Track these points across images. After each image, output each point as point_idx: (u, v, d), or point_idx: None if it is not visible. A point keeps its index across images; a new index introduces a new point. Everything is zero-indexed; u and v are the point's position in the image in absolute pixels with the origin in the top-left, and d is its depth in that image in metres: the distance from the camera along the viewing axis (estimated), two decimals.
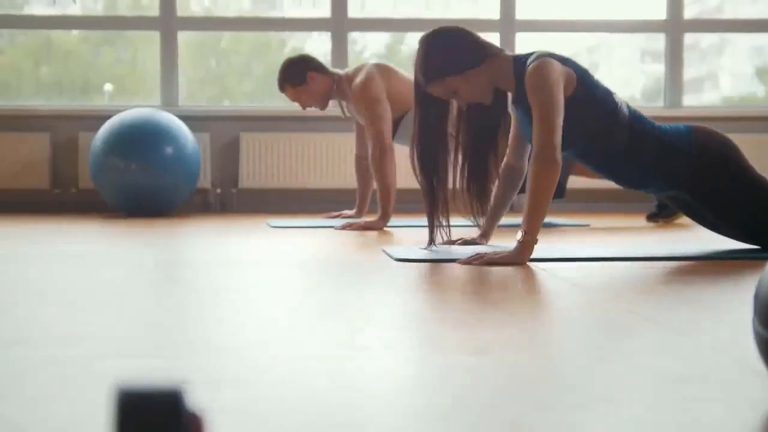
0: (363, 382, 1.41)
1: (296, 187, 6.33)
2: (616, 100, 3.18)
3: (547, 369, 1.51)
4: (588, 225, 4.91)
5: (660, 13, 6.61)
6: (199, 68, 7.65)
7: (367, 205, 5.25)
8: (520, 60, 3.18)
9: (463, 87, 3.19)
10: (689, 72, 8.67)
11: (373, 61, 4.97)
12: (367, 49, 7.78)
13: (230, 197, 6.36)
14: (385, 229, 4.61)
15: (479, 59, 3.19)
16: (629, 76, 8.41)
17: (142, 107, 5.94)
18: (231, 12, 7.25)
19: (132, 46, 7.41)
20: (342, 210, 5.54)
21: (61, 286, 2.50)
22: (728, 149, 3.21)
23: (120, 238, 4.11)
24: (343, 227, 4.58)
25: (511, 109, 3.34)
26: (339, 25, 6.48)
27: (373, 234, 4.35)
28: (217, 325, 1.92)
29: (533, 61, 3.10)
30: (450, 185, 3.35)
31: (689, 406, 1.28)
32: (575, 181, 5.25)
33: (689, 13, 6.93)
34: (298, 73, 4.95)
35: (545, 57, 3.11)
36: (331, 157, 6.32)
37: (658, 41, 6.85)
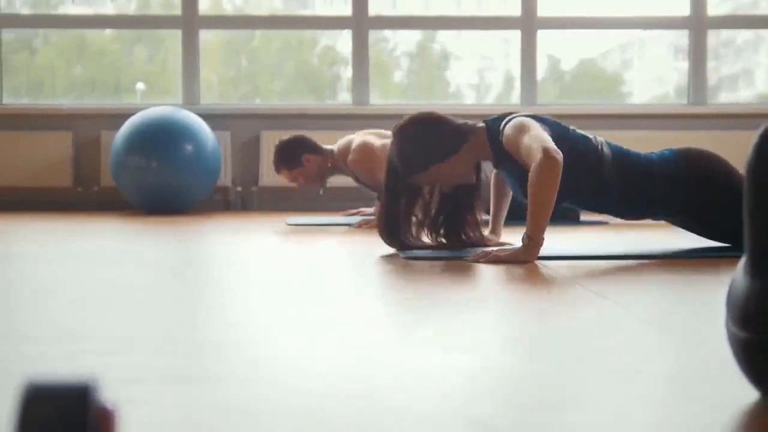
0: (350, 382, 1.42)
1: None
2: (596, 143, 3.15)
3: (526, 368, 1.51)
4: (607, 222, 4.89)
5: (684, 9, 6.56)
6: (230, 67, 7.69)
7: None
8: (493, 127, 3.17)
9: (446, 173, 3.19)
10: (724, 69, 8.57)
11: (359, 132, 4.96)
12: (398, 47, 7.79)
13: (251, 195, 6.39)
14: None
15: (460, 143, 3.18)
16: (662, 73, 8.35)
17: (163, 105, 5.97)
18: (262, 10, 7.28)
19: (164, 45, 7.45)
20: (360, 207, 5.54)
21: (70, 283, 2.53)
22: (716, 165, 3.18)
23: (133, 237, 4.13)
24: (359, 224, 4.59)
25: (495, 173, 3.37)
26: (360, 22, 6.48)
27: None
28: (201, 323, 1.93)
29: (507, 123, 3.10)
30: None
31: (668, 405, 1.27)
32: None
33: (723, 9, 6.87)
34: (293, 157, 4.97)
35: (520, 117, 3.11)
36: None
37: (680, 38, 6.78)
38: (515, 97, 6.74)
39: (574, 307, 2.15)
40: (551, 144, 2.97)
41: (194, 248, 3.64)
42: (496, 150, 3.16)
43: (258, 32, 7.38)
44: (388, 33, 7.29)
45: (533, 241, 2.94)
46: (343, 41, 7.24)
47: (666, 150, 3.22)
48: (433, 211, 3.29)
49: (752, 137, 1.22)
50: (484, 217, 3.59)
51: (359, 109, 6.43)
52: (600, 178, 3.12)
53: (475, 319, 1.98)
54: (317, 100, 7.24)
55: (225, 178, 6.28)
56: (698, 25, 6.54)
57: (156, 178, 5.58)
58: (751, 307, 1.22)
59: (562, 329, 1.87)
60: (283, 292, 2.43)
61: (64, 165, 6.23)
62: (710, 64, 9.78)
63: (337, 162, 4.96)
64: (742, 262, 1.25)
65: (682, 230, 3.36)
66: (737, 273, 1.26)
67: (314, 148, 4.99)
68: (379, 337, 1.77)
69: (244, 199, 6.39)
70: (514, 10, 6.55)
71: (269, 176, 6.32)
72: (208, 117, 6.03)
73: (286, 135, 6.29)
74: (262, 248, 3.60)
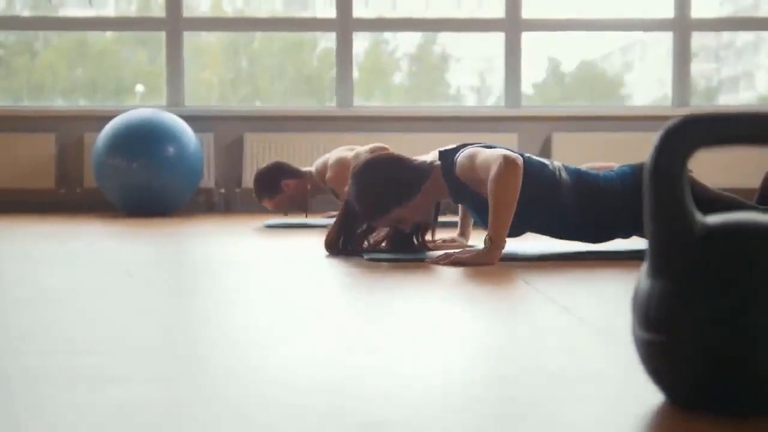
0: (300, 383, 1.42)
1: None
2: (552, 168, 3.12)
3: (433, 366, 1.51)
4: None
5: (668, 11, 6.56)
6: (230, 69, 7.71)
7: None
8: (447, 159, 3.13)
9: (407, 214, 3.16)
10: (725, 71, 8.54)
11: (336, 151, 4.96)
12: (399, 49, 7.80)
13: (234, 197, 6.39)
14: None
15: (418, 186, 3.14)
16: (663, 75, 8.36)
17: (145, 107, 5.98)
18: (262, 12, 7.29)
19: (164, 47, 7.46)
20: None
21: (25, 284, 2.53)
22: None
23: (106, 238, 4.13)
24: None
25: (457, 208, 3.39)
26: (344, 25, 6.48)
27: None
28: (140, 323, 1.94)
29: (459, 155, 3.08)
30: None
31: (577, 405, 1.27)
32: None
33: (725, 10, 6.85)
34: (272, 185, 4.98)
35: (472, 147, 3.09)
36: None
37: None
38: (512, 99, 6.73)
39: (517, 308, 2.15)
40: (508, 151, 2.97)
41: (162, 249, 3.63)
42: (450, 184, 3.12)
43: (258, 34, 7.38)
44: (388, 35, 7.29)
45: (495, 243, 2.94)
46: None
47: (625, 165, 3.18)
48: (383, 241, 3.30)
49: (653, 137, 1.22)
50: (455, 218, 3.60)
51: (343, 111, 6.43)
52: (558, 203, 3.08)
53: (412, 321, 1.98)
54: (318, 102, 7.25)
55: (208, 180, 6.29)
56: (682, 27, 6.54)
57: (137, 180, 5.58)
58: (653, 308, 1.22)
59: (498, 330, 1.87)
60: (243, 293, 2.44)
61: (47, 166, 6.23)
62: (711, 66, 9.77)
63: (317, 182, 4.99)
64: (645, 264, 1.25)
65: None
66: (640, 276, 1.27)
67: (292, 173, 5.00)
68: (313, 338, 1.77)
69: (227, 200, 6.39)
70: (498, 12, 6.55)
71: (252, 178, 6.31)
72: (191, 119, 6.04)
73: (269, 137, 6.34)
74: (231, 249, 3.60)
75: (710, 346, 1.17)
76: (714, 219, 1.23)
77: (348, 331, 1.84)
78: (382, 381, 1.40)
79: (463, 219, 3.49)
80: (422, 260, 3.01)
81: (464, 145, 3.15)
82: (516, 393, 1.34)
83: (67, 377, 1.41)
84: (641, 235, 3.23)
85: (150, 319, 2.01)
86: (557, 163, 3.17)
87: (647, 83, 8.82)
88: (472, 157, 3.04)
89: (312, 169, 5.05)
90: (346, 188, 4.65)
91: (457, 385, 1.39)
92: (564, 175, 3.12)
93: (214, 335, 1.82)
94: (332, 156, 4.88)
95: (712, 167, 5.80)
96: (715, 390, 1.19)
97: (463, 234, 3.52)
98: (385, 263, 3.01)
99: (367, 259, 3.08)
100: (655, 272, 1.22)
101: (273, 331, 1.83)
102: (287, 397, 1.30)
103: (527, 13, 6.49)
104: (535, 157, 3.15)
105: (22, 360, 1.55)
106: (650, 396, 1.28)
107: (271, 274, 2.83)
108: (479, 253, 2.95)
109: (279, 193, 4.98)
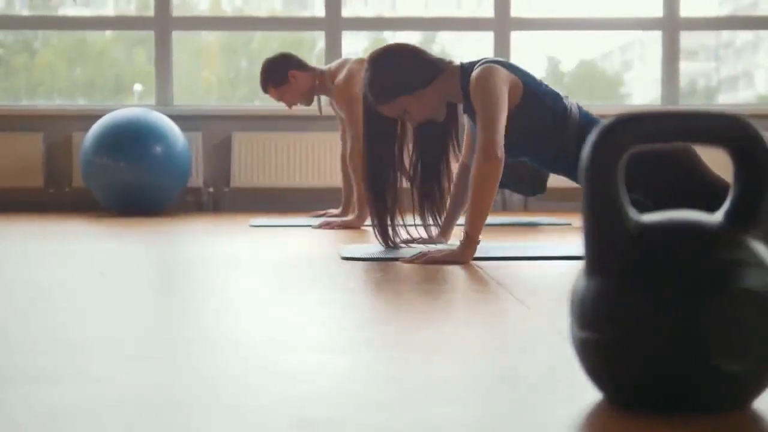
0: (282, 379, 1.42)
1: (288, 186, 6.35)
2: (566, 103, 3.17)
3: (372, 365, 1.51)
4: (569, 224, 4.89)
5: (657, 10, 6.56)
6: (230, 68, 7.71)
7: (352, 203, 5.25)
8: (467, 69, 3.17)
9: (415, 106, 3.17)
10: (724, 70, 8.51)
11: (356, 57, 4.96)
12: None
13: (223, 196, 6.39)
14: (363, 227, 4.61)
15: (431, 78, 3.16)
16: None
17: (133, 107, 5.98)
18: (261, 12, 7.29)
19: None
20: (328, 209, 5.54)
21: (11, 285, 2.53)
22: (680, 148, 3.18)
23: (92, 238, 4.14)
24: (320, 226, 4.59)
25: (463, 117, 3.34)
26: (333, 24, 6.48)
27: (349, 233, 4.35)
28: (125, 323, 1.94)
29: (477, 68, 3.10)
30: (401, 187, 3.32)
31: (519, 405, 1.27)
32: (559, 180, 5.20)
33: (724, 10, 6.84)
34: (279, 73, 4.95)
35: (490, 64, 3.10)
36: (323, 156, 6.33)
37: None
38: None
39: (487, 308, 2.15)
40: (499, 138, 2.97)
41: (147, 248, 3.64)
42: (466, 95, 3.15)
43: (258, 34, 7.39)
44: (388, 34, 7.28)
45: (470, 240, 2.94)
46: (345, 40, 7.26)
47: None
48: (412, 156, 3.29)
49: (590, 136, 1.22)
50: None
51: (330, 109, 6.42)
52: (563, 136, 3.13)
53: (376, 321, 1.98)
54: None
55: (197, 179, 6.28)
56: (671, 26, 6.54)
57: (125, 179, 5.57)
58: (590, 307, 1.22)
59: (460, 330, 1.87)
60: (217, 292, 2.44)
61: (36, 166, 6.23)
62: (710, 66, 9.76)
63: (326, 82, 4.95)
64: (582, 264, 1.25)
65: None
66: (578, 275, 1.27)
67: (301, 65, 4.96)
68: (263, 336, 1.77)
69: (216, 200, 6.39)
70: (487, 11, 6.55)
71: (241, 177, 6.32)
72: (180, 118, 6.03)
73: (257, 136, 6.34)
74: (216, 249, 3.60)
75: (643, 345, 1.17)
76: (649, 217, 1.23)
77: (314, 330, 1.84)
78: (325, 381, 1.41)
79: (448, 218, 3.49)
80: (396, 259, 3.02)
81: (483, 59, 3.16)
82: (466, 393, 1.34)
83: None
84: (630, 194, 3.24)
85: (120, 319, 2.01)
86: (573, 101, 3.20)
87: (647, 82, 8.82)
88: (481, 90, 3.02)
89: (324, 68, 5.02)
90: (344, 103, 4.66)
91: (410, 385, 1.39)
92: (575, 111, 3.16)
93: (173, 335, 1.82)
94: (350, 64, 4.81)
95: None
96: (650, 389, 1.19)
97: (444, 234, 3.52)
98: (360, 262, 3.01)
99: (342, 258, 3.08)
100: (591, 271, 1.22)
101: (229, 331, 1.83)
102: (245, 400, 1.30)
103: (517, 12, 6.49)
104: (551, 89, 3.20)
105: None
106: (590, 396, 1.28)
107: (251, 274, 2.83)
108: (453, 252, 2.96)
109: (285, 83, 4.94)
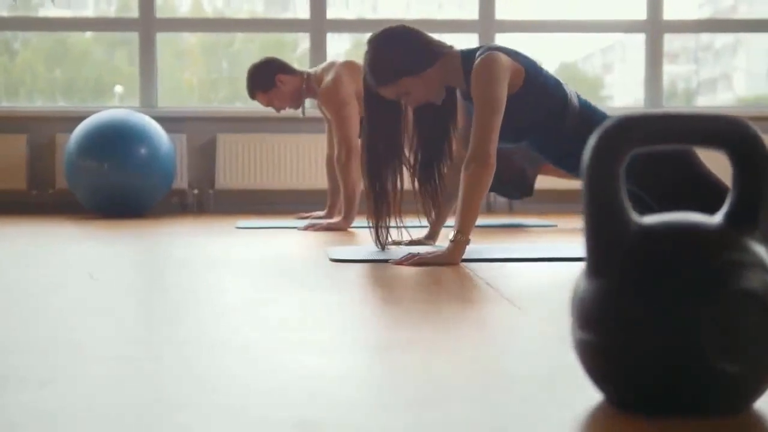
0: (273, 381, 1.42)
1: (273, 188, 6.34)
2: (567, 90, 3.18)
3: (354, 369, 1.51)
4: (555, 225, 4.90)
5: (640, 13, 6.58)
6: (212, 70, 7.69)
7: (337, 205, 5.25)
8: (469, 55, 3.17)
9: (415, 88, 3.17)
10: (703, 73, 8.53)
11: (342, 59, 4.96)
12: None
13: (207, 198, 6.38)
14: (349, 230, 4.61)
15: (432, 60, 3.16)
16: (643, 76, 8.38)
17: (117, 108, 5.96)
18: (242, 13, 7.28)
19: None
20: (314, 211, 5.54)
21: (7, 286, 2.52)
22: (680, 150, 3.18)
23: (76, 240, 4.12)
24: (306, 228, 4.59)
25: (461, 102, 3.33)
26: (318, 26, 6.48)
27: (336, 235, 4.35)
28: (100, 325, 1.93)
29: (481, 54, 3.09)
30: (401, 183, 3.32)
31: (518, 405, 1.27)
32: (545, 182, 5.23)
33: (704, 12, 6.86)
34: (266, 78, 4.94)
35: (493, 51, 3.09)
36: (308, 158, 6.33)
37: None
38: None
39: (470, 307, 2.16)
40: (493, 139, 2.97)
41: (131, 249, 3.62)
42: (467, 79, 3.15)
43: (239, 35, 7.37)
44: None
45: (459, 241, 2.95)
46: (330, 41, 7.26)
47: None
48: (412, 141, 3.29)
49: (590, 138, 1.23)
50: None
51: (317, 111, 6.41)
52: (561, 124, 3.14)
53: (367, 324, 1.98)
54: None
55: (181, 181, 6.27)
56: (654, 29, 6.57)
57: (108, 181, 5.55)
58: (591, 308, 1.22)
59: (447, 331, 1.87)
60: (200, 294, 2.43)
61: (19, 168, 6.19)
62: (690, 68, 9.80)
63: (312, 85, 4.94)
64: (583, 265, 1.26)
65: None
66: (579, 276, 1.27)
67: (287, 69, 4.96)
68: (261, 337, 1.77)
69: (200, 201, 6.38)
70: (472, 13, 6.56)
71: (225, 179, 6.31)
72: (164, 120, 6.02)
73: (242, 138, 6.33)
74: (201, 251, 3.59)
75: (643, 346, 1.17)
76: (649, 219, 1.24)
77: (301, 334, 1.84)
78: (324, 381, 1.40)
79: (437, 219, 3.49)
80: (386, 261, 3.02)
81: (482, 47, 3.16)
82: (464, 394, 1.34)
83: None
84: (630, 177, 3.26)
85: (113, 320, 2.00)
86: (572, 89, 3.22)
87: (627, 84, 8.85)
88: (482, 81, 3.02)
89: (311, 70, 5.01)
90: (330, 104, 4.65)
91: (410, 386, 1.39)
92: (575, 100, 3.17)
93: (167, 336, 1.81)
94: (337, 67, 4.81)
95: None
96: (650, 390, 1.19)
97: (432, 235, 3.52)
98: (349, 264, 3.01)
99: (330, 260, 3.08)
100: (592, 272, 1.23)
101: (227, 332, 1.83)
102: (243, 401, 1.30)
103: (501, 14, 6.51)
104: (552, 76, 3.20)
105: None
106: (590, 397, 1.28)
107: (244, 276, 2.83)
108: (442, 253, 2.96)
109: (273, 88, 4.93)
